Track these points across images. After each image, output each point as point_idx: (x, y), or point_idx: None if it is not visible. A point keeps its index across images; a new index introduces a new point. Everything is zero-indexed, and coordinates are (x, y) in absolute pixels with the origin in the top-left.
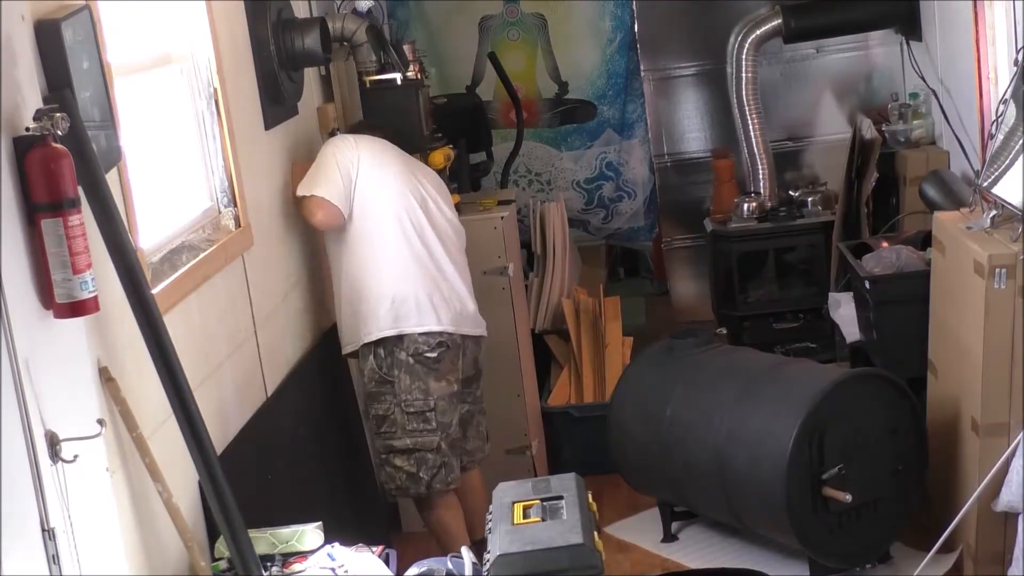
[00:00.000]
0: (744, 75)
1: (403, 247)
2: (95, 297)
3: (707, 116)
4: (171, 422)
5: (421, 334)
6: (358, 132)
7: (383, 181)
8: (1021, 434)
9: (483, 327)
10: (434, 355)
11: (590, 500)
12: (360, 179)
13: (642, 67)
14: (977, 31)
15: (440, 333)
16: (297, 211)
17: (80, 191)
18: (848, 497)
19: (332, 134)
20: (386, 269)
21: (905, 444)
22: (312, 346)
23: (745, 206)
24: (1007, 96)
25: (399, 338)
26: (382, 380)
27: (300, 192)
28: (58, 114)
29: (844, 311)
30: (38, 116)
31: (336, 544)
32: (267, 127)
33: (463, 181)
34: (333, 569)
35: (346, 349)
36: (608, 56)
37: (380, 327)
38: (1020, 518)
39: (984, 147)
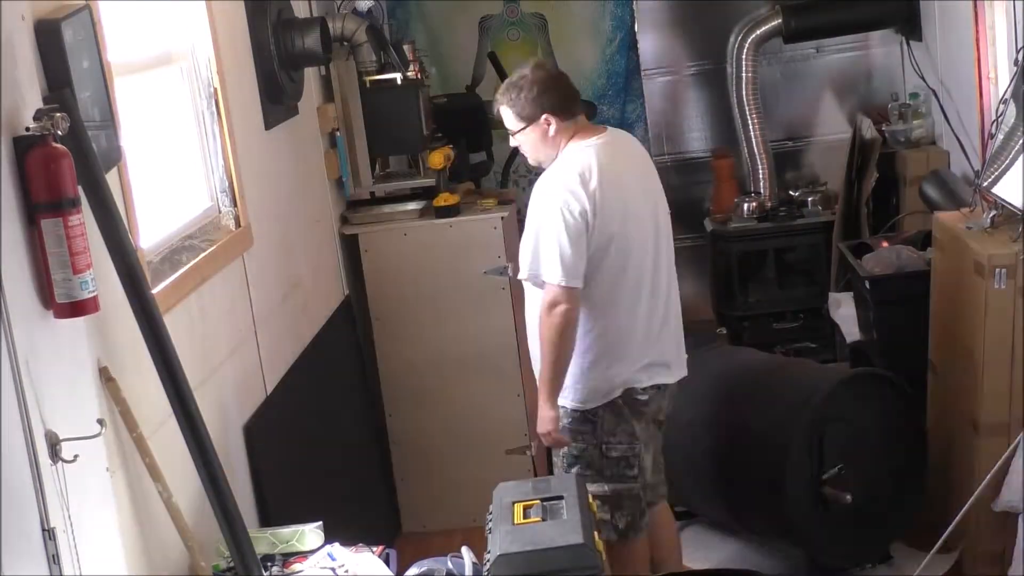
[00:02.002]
0: (744, 75)
1: (626, 296)
2: (95, 297)
3: (707, 116)
4: (171, 422)
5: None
6: (571, 108)
7: (617, 219)
8: (1021, 434)
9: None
10: (644, 398)
11: (590, 500)
12: (596, 230)
13: (642, 67)
14: (977, 31)
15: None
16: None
17: (80, 191)
18: (848, 497)
19: (332, 134)
20: (603, 322)
21: (905, 444)
22: (312, 346)
23: (745, 206)
24: (1007, 96)
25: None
26: (583, 419)
27: (544, 279)
28: (58, 114)
29: (844, 311)
30: (38, 116)
31: (336, 544)
32: (267, 127)
33: (463, 181)
34: (333, 569)
35: (586, 406)
36: (608, 56)
37: (587, 391)
38: (1020, 518)
39: (984, 147)
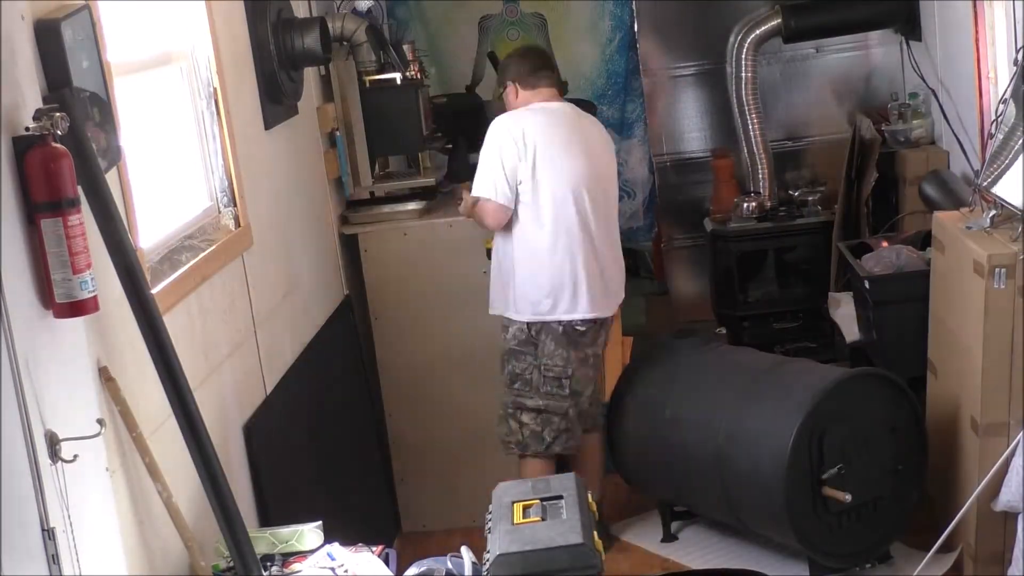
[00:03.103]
0: (744, 75)
1: (563, 235)
2: (95, 297)
3: (707, 116)
4: (171, 422)
5: (576, 319)
6: (534, 80)
7: (550, 168)
8: (1021, 434)
9: (622, 296)
10: (583, 329)
11: (590, 500)
12: (524, 170)
13: (642, 67)
14: (977, 31)
15: (593, 318)
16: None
17: (80, 191)
18: (848, 497)
19: (332, 134)
20: (547, 258)
21: (905, 444)
22: (312, 345)
23: (745, 206)
24: (1007, 96)
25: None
26: (527, 341)
27: (473, 194)
28: (58, 114)
29: (844, 311)
30: (38, 116)
31: (336, 544)
32: (267, 127)
33: (463, 181)
34: (333, 569)
35: (493, 311)
36: (608, 56)
37: (535, 312)
38: (1020, 518)
39: (984, 147)
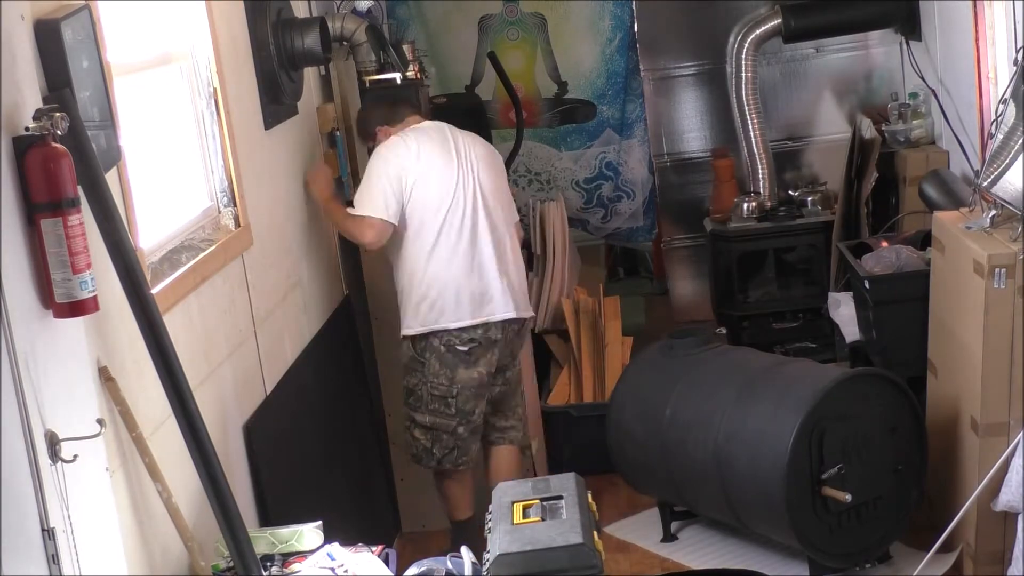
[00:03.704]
0: (744, 75)
1: (443, 247)
2: (95, 297)
3: (707, 116)
4: (171, 422)
5: (455, 329)
6: (397, 115)
7: (429, 184)
8: (1021, 434)
9: (522, 308)
10: (464, 348)
11: (590, 500)
12: (408, 188)
13: (642, 67)
14: (977, 31)
15: (474, 328)
16: (332, 224)
17: (80, 191)
18: (848, 497)
19: (332, 134)
20: (428, 269)
21: (905, 444)
22: (312, 345)
23: (745, 206)
24: (1007, 96)
25: (433, 331)
26: (415, 359)
27: (354, 212)
28: (58, 114)
29: (844, 311)
30: (38, 116)
31: (335, 544)
32: (267, 127)
33: None
34: (333, 569)
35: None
36: (608, 56)
37: (419, 323)
38: (1020, 518)
39: (984, 147)
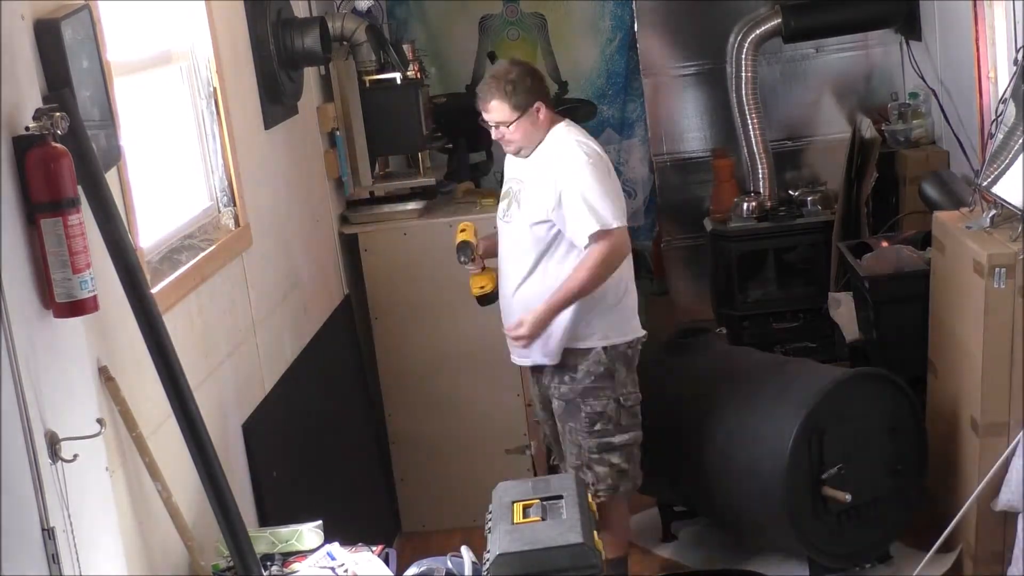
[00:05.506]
0: (744, 75)
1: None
2: (94, 296)
3: (707, 116)
4: (171, 422)
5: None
6: (546, 103)
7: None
8: (1021, 434)
9: None
10: (632, 353)
11: (590, 500)
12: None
13: (642, 67)
14: (977, 31)
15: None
16: (598, 251)
17: (80, 191)
18: (848, 497)
19: (332, 134)
20: (629, 273)
21: (905, 444)
22: (311, 345)
23: (745, 206)
24: (1007, 96)
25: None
26: (604, 375)
27: (603, 228)
28: (58, 114)
29: (844, 311)
30: (38, 116)
31: (336, 543)
32: (267, 127)
33: (462, 181)
34: (333, 568)
35: (584, 344)
36: (608, 56)
37: (631, 329)
38: (1020, 518)
39: (984, 147)
